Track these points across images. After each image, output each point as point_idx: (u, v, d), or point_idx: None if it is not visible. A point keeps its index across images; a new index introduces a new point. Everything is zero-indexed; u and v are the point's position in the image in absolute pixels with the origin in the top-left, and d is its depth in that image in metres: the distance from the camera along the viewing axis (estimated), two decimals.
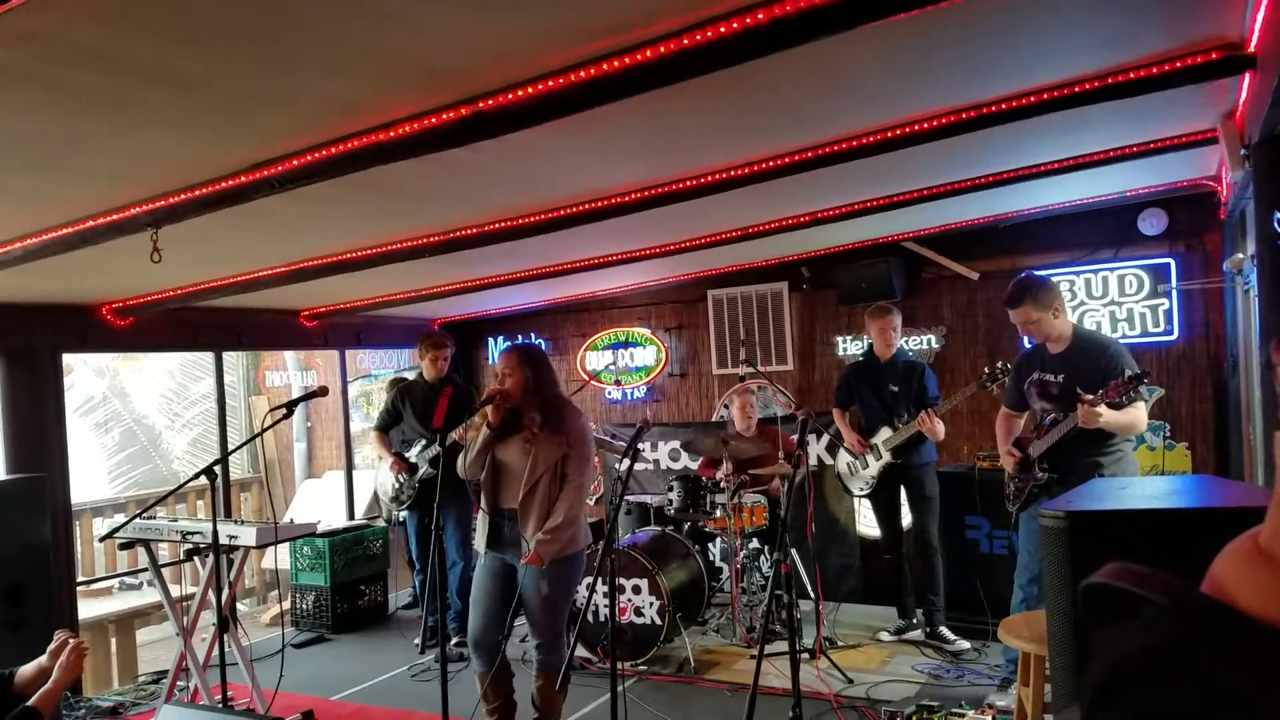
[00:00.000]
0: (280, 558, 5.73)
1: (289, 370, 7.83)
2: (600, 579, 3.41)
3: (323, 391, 3.71)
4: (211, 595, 3.74)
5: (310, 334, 5.86)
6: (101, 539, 4.48)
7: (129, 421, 7.95)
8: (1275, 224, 2.44)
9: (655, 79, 1.93)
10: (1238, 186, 3.21)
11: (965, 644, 4.38)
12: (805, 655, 4.12)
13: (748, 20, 1.75)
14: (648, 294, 6.33)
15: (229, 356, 6.82)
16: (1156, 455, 4.75)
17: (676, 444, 5.93)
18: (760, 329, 5.91)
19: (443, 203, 3.24)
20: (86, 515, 5.74)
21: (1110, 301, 4.86)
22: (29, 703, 2.20)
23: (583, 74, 1.94)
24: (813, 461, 5.30)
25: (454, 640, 4.89)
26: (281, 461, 7.87)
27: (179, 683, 4.02)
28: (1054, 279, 3.75)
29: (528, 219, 3.47)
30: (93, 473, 7.42)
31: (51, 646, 2.30)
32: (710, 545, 5.15)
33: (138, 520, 3.77)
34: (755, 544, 4.82)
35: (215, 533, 3.33)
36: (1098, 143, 3.29)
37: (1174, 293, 4.73)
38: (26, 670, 2.32)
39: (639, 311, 6.47)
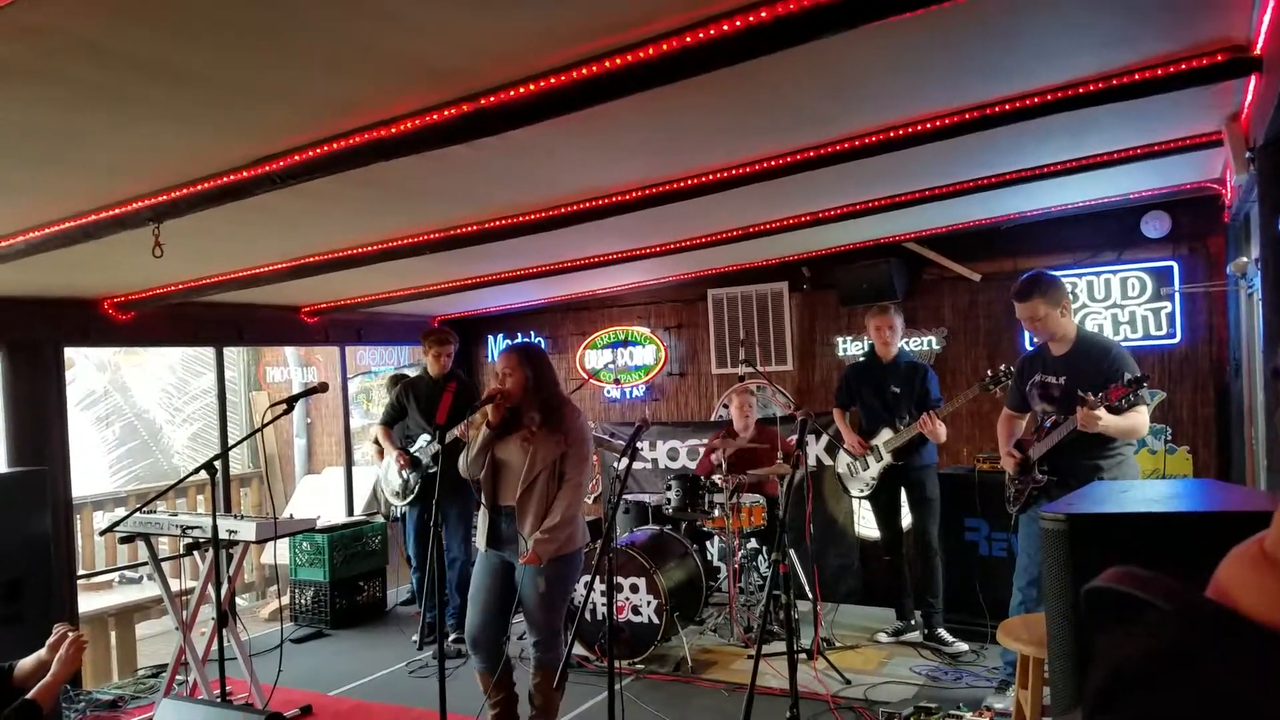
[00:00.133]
0: (279, 553, 5.74)
1: (289, 366, 7.83)
2: (598, 577, 3.41)
3: (323, 388, 3.71)
4: (211, 590, 3.74)
5: (311, 330, 5.86)
6: (102, 533, 4.48)
7: (130, 416, 7.95)
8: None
9: (657, 77, 1.93)
10: (1242, 190, 3.20)
11: (964, 646, 4.38)
12: (803, 656, 4.12)
13: (750, 18, 1.74)
14: (647, 293, 6.32)
15: (230, 352, 6.82)
16: (1158, 459, 4.74)
17: (675, 443, 5.93)
18: (760, 329, 5.91)
19: (444, 200, 3.24)
20: (87, 509, 5.74)
21: (1113, 304, 4.85)
22: (28, 696, 2.20)
23: (584, 71, 1.93)
24: (811, 462, 5.30)
25: (451, 637, 4.90)
26: (281, 457, 7.87)
27: (178, 677, 4.02)
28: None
29: (528, 216, 3.47)
30: (93, 466, 7.42)
31: (50, 640, 2.30)
32: (708, 545, 5.15)
33: (138, 514, 3.77)
34: (753, 544, 4.82)
35: (215, 527, 3.33)
36: (1101, 144, 3.28)
37: (1177, 296, 4.72)
38: (26, 663, 2.32)
39: (639, 310, 6.47)
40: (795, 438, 2.88)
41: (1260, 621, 0.46)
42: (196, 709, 2.61)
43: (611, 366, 6.47)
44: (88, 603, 4.78)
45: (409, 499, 5.00)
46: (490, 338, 7.01)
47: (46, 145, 2.27)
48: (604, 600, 4.20)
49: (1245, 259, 3.55)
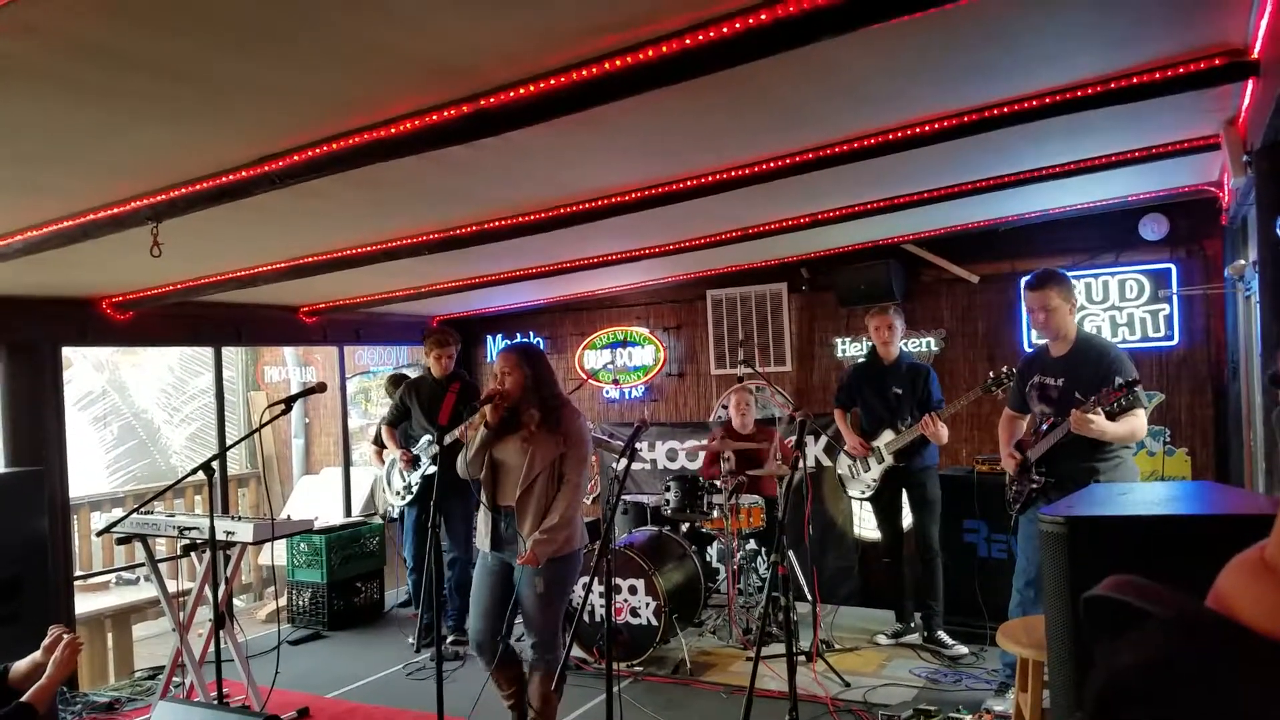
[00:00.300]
0: (277, 554, 5.73)
1: (288, 366, 7.82)
2: (596, 579, 3.41)
3: (321, 388, 3.71)
4: (208, 591, 3.73)
5: (309, 330, 5.85)
6: (99, 533, 4.48)
7: (128, 416, 7.94)
8: (1277, 230, 2.44)
9: (657, 78, 1.93)
10: (1239, 193, 3.20)
11: (963, 649, 4.38)
12: (802, 658, 4.12)
13: (750, 20, 1.74)
14: (647, 293, 6.32)
15: (228, 352, 6.81)
16: (1156, 460, 4.75)
17: (674, 444, 5.93)
18: (759, 330, 5.91)
19: (443, 200, 3.24)
20: (84, 509, 5.73)
21: (1111, 306, 4.85)
22: (23, 698, 2.20)
23: (584, 73, 1.93)
24: (810, 463, 5.30)
25: (449, 639, 4.89)
26: (279, 457, 7.86)
27: (175, 679, 4.01)
28: None
29: (528, 217, 3.47)
30: (91, 467, 7.41)
31: (46, 642, 2.30)
32: (707, 546, 5.14)
33: (135, 515, 3.76)
34: (752, 545, 4.82)
35: (212, 528, 3.33)
36: (1099, 147, 3.28)
37: (1175, 298, 4.73)
38: (21, 666, 2.31)
39: (638, 311, 6.47)
40: (794, 439, 2.87)
41: (1260, 632, 0.46)
42: (193, 711, 2.60)
43: (610, 367, 6.46)
44: (84, 604, 4.77)
45: (410, 499, 5.00)
46: (489, 338, 7.01)
47: (45, 144, 2.26)
48: (602, 602, 4.20)
49: (1243, 262, 3.55)
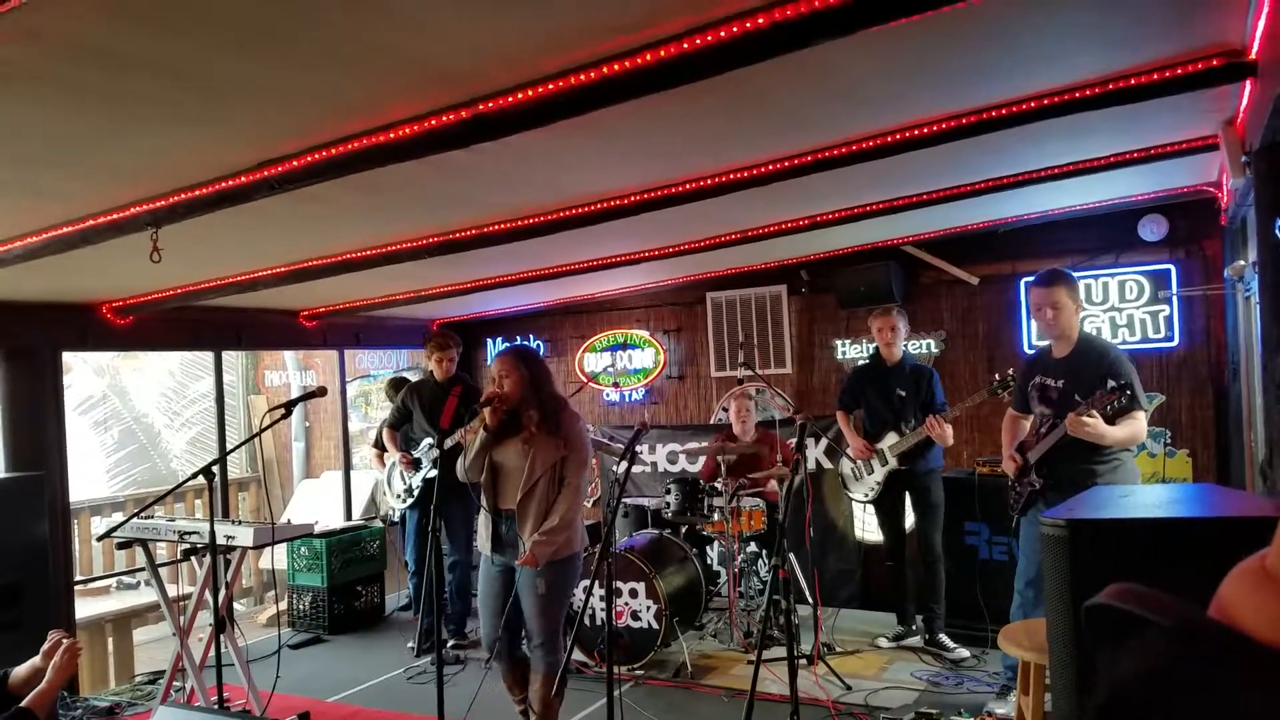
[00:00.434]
0: (277, 558, 5.73)
1: (288, 370, 7.82)
2: (597, 582, 3.40)
3: (321, 392, 3.71)
4: (208, 595, 3.73)
5: (309, 334, 5.85)
6: (99, 538, 4.47)
7: (128, 420, 7.94)
8: (1276, 231, 2.44)
9: (656, 82, 1.93)
10: (1238, 193, 3.20)
11: (965, 652, 4.37)
12: (803, 661, 4.11)
13: (748, 24, 1.74)
14: (647, 296, 6.32)
15: (228, 356, 6.82)
16: (1157, 462, 4.75)
17: (675, 446, 5.92)
18: (759, 332, 5.91)
19: (443, 204, 3.24)
20: (85, 514, 5.73)
21: (1111, 307, 4.85)
22: (23, 703, 2.19)
23: (583, 77, 1.93)
24: (811, 466, 5.29)
25: (450, 644, 4.88)
26: (280, 461, 7.86)
27: (175, 683, 4.00)
28: None
29: (527, 220, 3.47)
30: (91, 471, 7.41)
31: (45, 647, 2.29)
32: (708, 549, 5.13)
33: (136, 519, 3.76)
34: (753, 548, 4.81)
35: (213, 533, 3.33)
36: (1098, 148, 3.28)
37: (1174, 299, 4.73)
38: (20, 671, 2.31)
39: (638, 313, 6.47)
40: (794, 441, 2.87)
41: (1262, 641, 0.46)
42: (194, 716, 2.60)
43: (611, 370, 6.46)
44: (85, 608, 4.77)
45: (410, 502, 4.99)
46: (489, 341, 7.01)
47: (46, 148, 2.27)
48: (603, 605, 4.19)
49: (1242, 262, 3.55)
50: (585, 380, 6.45)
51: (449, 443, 4.52)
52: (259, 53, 1.79)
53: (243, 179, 2.47)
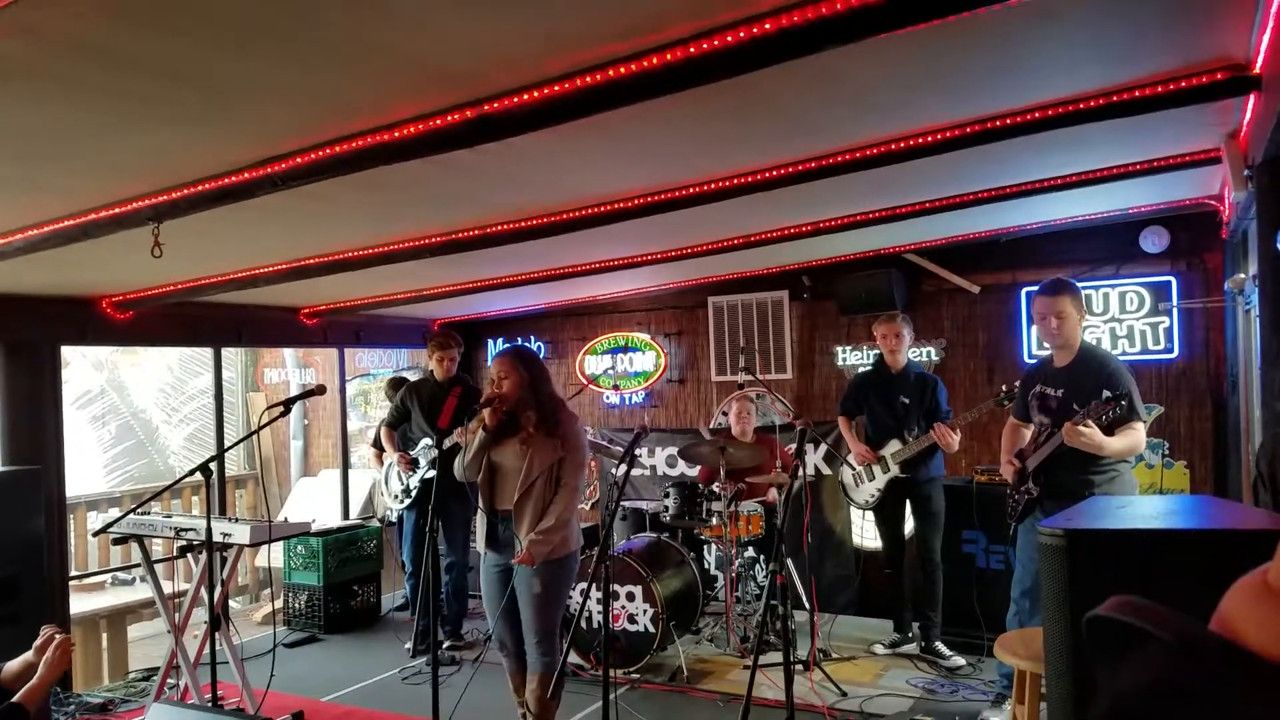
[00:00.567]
0: (274, 556, 5.71)
1: (287, 368, 7.81)
2: (594, 585, 3.40)
3: (320, 390, 3.70)
4: (204, 593, 3.72)
5: (310, 332, 5.85)
6: (95, 533, 4.46)
7: (126, 415, 7.93)
8: (1277, 245, 2.44)
9: (661, 86, 1.93)
10: (1240, 206, 3.21)
11: (961, 660, 4.36)
12: (799, 667, 4.11)
13: (755, 30, 1.75)
14: (648, 299, 6.33)
15: (228, 352, 6.81)
16: (1155, 473, 4.75)
17: (674, 450, 5.92)
18: (760, 337, 5.91)
19: (445, 204, 3.24)
20: (81, 509, 5.72)
21: (1111, 318, 4.86)
22: (14, 698, 2.18)
23: (588, 79, 1.94)
24: (810, 471, 5.29)
25: (445, 644, 4.87)
26: (277, 459, 7.85)
27: (169, 680, 4.00)
28: None
29: (530, 222, 3.48)
30: (88, 466, 7.40)
31: (37, 642, 2.28)
32: (705, 553, 5.13)
33: (132, 515, 3.76)
34: (751, 553, 4.81)
35: (209, 530, 3.32)
36: (1101, 159, 3.29)
37: (1175, 311, 4.73)
38: (12, 666, 2.30)
39: (639, 316, 6.47)
40: (794, 447, 2.87)
41: (1265, 656, 0.46)
42: (187, 713, 2.58)
43: (611, 372, 6.46)
44: (80, 604, 4.76)
45: (408, 503, 4.99)
46: (490, 341, 7.01)
47: (47, 143, 2.26)
48: (600, 608, 4.19)
49: (1243, 275, 3.56)
50: (585, 382, 6.45)
51: (448, 443, 4.52)
52: (259, 52, 1.79)
53: (245, 175, 2.47)
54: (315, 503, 6.67)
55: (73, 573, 4.93)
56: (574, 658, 4.36)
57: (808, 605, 4.71)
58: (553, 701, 3.17)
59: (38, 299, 4.38)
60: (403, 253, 3.79)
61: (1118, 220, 4.60)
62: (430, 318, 6.58)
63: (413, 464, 4.93)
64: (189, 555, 3.82)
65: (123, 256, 3.42)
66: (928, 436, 4.31)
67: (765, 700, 3.83)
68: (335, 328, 6.01)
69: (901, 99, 2.46)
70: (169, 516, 3.97)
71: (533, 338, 6.82)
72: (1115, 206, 4.32)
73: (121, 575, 5.31)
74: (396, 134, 2.20)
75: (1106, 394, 3.14)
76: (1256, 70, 2.23)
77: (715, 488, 4.73)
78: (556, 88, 1.98)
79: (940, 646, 4.44)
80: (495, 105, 2.06)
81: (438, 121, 2.14)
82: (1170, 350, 4.75)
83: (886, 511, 4.62)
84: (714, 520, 4.67)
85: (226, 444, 5.63)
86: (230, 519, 3.78)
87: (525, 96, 2.01)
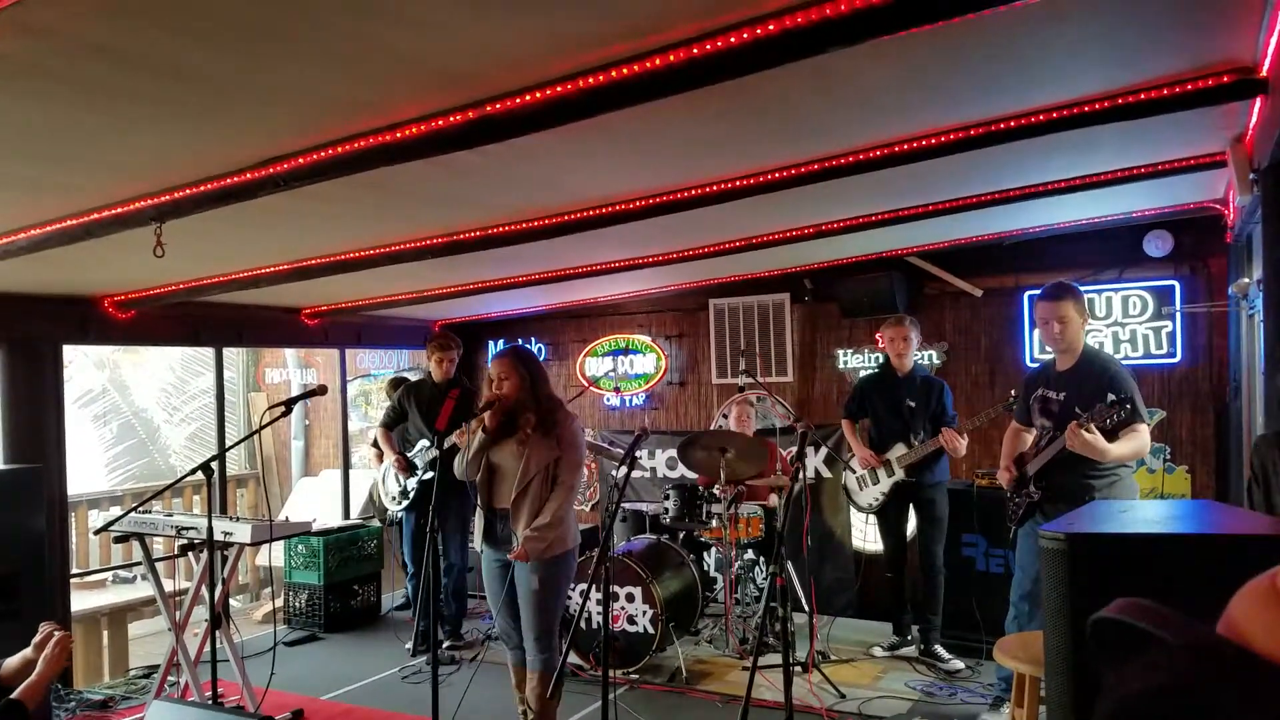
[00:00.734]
0: (274, 555, 5.71)
1: (289, 368, 7.82)
2: (594, 586, 3.40)
3: (321, 390, 3.71)
4: (205, 591, 3.72)
5: (311, 332, 5.86)
6: (96, 532, 4.46)
7: (128, 414, 7.94)
8: None
9: (664, 87, 1.93)
10: (1245, 211, 3.20)
11: (960, 663, 4.35)
12: (798, 669, 4.10)
13: (758, 31, 1.74)
14: (649, 301, 6.32)
15: (229, 352, 6.81)
16: (1156, 478, 4.74)
17: (674, 452, 5.91)
18: (761, 340, 5.91)
19: (448, 205, 3.24)
20: (82, 507, 5.72)
21: (1114, 322, 4.85)
22: (13, 695, 2.18)
23: (590, 80, 1.93)
24: (810, 474, 5.28)
25: (445, 644, 4.87)
26: (278, 459, 7.86)
27: (170, 678, 4.00)
28: None
29: (532, 223, 3.48)
30: (90, 465, 7.41)
31: (36, 639, 2.29)
32: (705, 555, 5.12)
33: (134, 514, 3.76)
34: (750, 555, 4.80)
35: (210, 529, 3.32)
36: (1105, 163, 3.28)
37: (1178, 315, 4.72)
38: (11, 662, 2.30)
39: (640, 319, 6.46)
40: (794, 450, 2.87)
41: (1272, 660, 0.46)
42: (188, 711, 2.58)
43: (612, 374, 6.46)
44: (81, 602, 4.76)
45: (405, 504, 4.98)
46: (491, 343, 7.00)
47: (50, 143, 2.27)
48: (600, 609, 4.19)
49: (1247, 280, 3.55)
50: (586, 384, 6.44)
51: (447, 444, 4.52)
52: (261, 52, 1.79)
53: (248, 176, 2.47)
54: (316, 502, 6.67)
55: (74, 570, 4.93)
56: (573, 658, 4.35)
57: (807, 607, 4.70)
58: (553, 700, 3.17)
59: (40, 298, 4.39)
60: (404, 253, 3.79)
61: (1121, 224, 4.59)
62: (431, 319, 6.58)
63: (410, 467, 4.92)
64: (190, 554, 3.83)
65: (125, 256, 3.43)
66: (934, 441, 4.30)
67: (764, 701, 3.82)
68: (336, 328, 6.01)
69: (905, 101, 2.46)
70: (170, 515, 3.97)
71: (533, 339, 6.82)
72: (1119, 210, 4.31)
73: (123, 573, 5.31)
74: (398, 134, 2.20)
75: (1111, 397, 3.13)
76: (1264, 73, 2.22)
77: (715, 489, 4.73)
78: (559, 88, 1.97)
79: (939, 649, 4.43)
80: (497, 106, 2.05)
81: (440, 122, 2.14)
82: (1173, 355, 4.74)
83: (889, 515, 4.60)
84: (714, 522, 4.67)
85: (228, 443, 5.63)
86: (231, 518, 3.78)
87: (527, 97, 2.01)
